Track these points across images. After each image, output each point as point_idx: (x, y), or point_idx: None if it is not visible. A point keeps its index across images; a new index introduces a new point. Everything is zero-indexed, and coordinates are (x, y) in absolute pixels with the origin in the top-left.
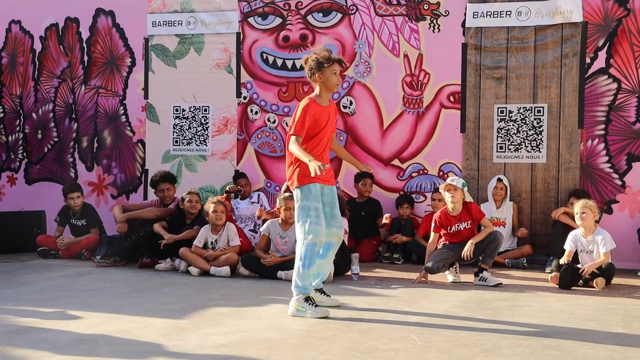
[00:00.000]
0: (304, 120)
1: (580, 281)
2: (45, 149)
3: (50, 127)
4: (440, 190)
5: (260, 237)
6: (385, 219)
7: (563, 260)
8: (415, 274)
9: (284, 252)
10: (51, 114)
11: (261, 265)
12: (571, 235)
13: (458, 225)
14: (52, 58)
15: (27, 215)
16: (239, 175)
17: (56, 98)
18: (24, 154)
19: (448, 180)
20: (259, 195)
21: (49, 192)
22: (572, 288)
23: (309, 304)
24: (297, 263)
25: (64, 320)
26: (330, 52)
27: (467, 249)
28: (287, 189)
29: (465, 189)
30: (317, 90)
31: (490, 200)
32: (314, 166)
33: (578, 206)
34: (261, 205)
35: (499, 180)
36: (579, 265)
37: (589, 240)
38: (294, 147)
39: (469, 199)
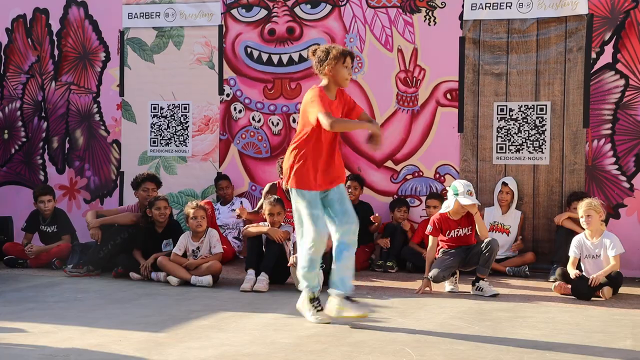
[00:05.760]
0: (323, 102)
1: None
2: (13, 150)
3: (18, 126)
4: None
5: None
6: (373, 219)
7: (572, 274)
8: (410, 283)
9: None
10: (19, 113)
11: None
12: (575, 240)
13: (458, 231)
14: (19, 52)
15: None
16: (220, 177)
17: (24, 95)
18: None
19: (466, 190)
20: (241, 202)
21: (16, 197)
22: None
23: (314, 306)
24: (299, 264)
25: (33, 334)
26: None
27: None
28: (271, 189)
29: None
30: (324, 81)
31: (496, 205)
32: (373, 128)
33: (582, 208)
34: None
35: (504, 184)
36: (583, 273)
37: (596, 243)
38: (336, 120)
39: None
